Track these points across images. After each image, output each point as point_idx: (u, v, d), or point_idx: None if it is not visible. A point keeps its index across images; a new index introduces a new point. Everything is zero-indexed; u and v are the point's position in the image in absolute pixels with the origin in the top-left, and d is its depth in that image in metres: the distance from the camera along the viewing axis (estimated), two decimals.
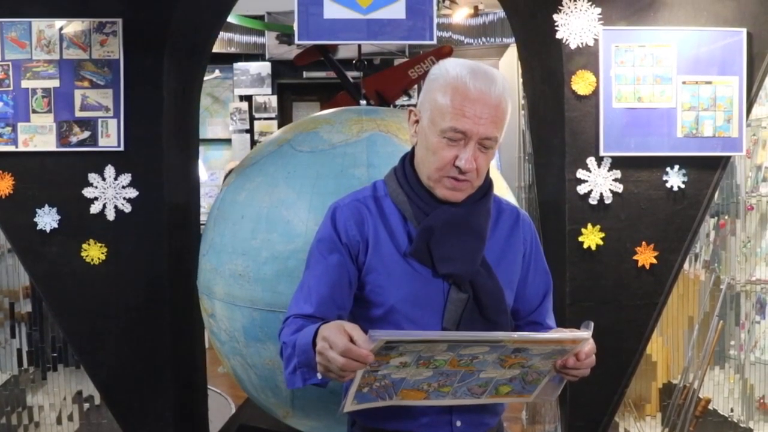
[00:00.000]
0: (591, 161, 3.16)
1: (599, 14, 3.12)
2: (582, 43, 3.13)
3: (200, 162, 4.14)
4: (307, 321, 1.78)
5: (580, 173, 3.16)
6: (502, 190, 2.96)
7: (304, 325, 1.74)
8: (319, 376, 1.65)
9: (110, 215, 3.18)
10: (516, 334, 1.62)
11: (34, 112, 3.17)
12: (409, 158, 1.92)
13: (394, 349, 1.51)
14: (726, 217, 4.60)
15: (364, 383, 1.60)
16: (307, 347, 1.63)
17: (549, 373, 1.74)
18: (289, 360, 1.72)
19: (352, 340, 1.49)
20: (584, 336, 1.65)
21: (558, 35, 3.12)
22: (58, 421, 4.42)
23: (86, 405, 4.51)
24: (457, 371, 1.64)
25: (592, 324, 1.68)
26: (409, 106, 1.91)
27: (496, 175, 3.11)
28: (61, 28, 3.16)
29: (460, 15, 7.51)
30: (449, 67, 1.79)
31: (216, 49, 5.26)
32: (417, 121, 1.85)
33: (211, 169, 8.63)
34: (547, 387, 1.79)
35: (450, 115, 1.74)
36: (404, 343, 1.51)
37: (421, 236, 1.81)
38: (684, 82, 3.16)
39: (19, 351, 4.54)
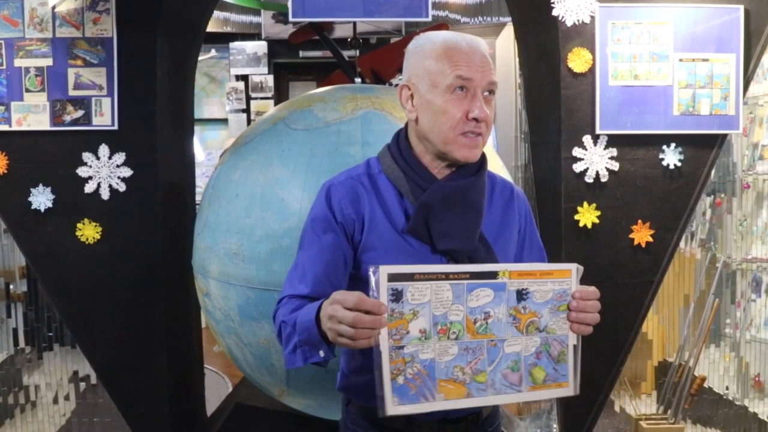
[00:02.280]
0: (587, 139, 3.14)
1: None
2: (578, 21, 3.11)
3: (197, 142, 4.13)
4: (303, 301, 1.77)
5: (576, 151, 3.15)
6: (498, 169, 2.96)
7: (301, 305, 1.73)
8: (321, 353, 1.64)
9: (105, 194, 3.16)
10: (509, 264, 1.71)
11: (28, 91, 3.15)
12: (403, 134, 1.91)
13: (402, 299, 1.52)
14: (722, 196, 4.60)
15: (395, 369, 1.58)
16: (309, 324, 1.62)
17: (569, 340, 1.76)
18: (289, 339, 1.71)
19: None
20: (571, 265, 1.73)
21: (554, 13, 3.10)
22: (55, 400, 4.43)
23: (82, 385, 4.52)
24: (479, 342, 1.65)
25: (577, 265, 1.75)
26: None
27: (492, 154, 3.11)
28: (53, 7, 3.13)
29: None
30: (431, 36, 1.82)
31: (212, 28, 5.24)
32: (412, 95, 1.84)
33: (207, 149, 8.62)
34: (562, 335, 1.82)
35: (450, 69, 1.75)
36: (405, 280, 1.52)
37: (419, 212, 1.80)
38: (681, 60, 3.14)
39: (15, 331, 4.54)
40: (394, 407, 1.58)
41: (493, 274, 1.64)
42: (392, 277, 1.50)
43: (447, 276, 1.59)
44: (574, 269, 1.74)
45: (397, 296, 1.52)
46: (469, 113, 1.76)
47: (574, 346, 1.78)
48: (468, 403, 1.69)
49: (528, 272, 1.70)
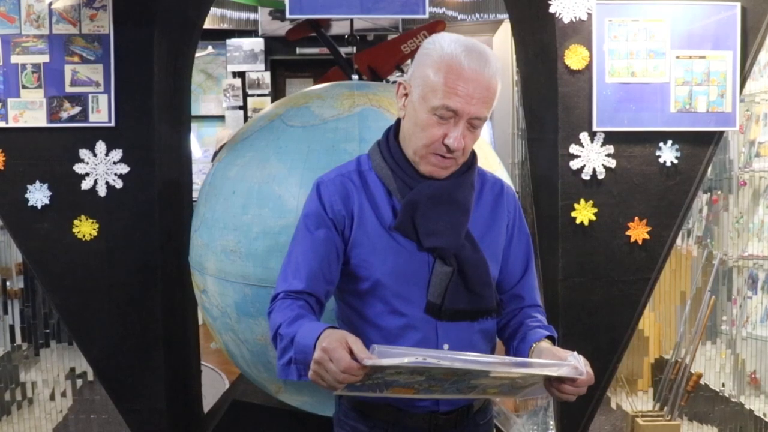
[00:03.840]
0: (584, 136, 3.15)
1: None
2: (575, 18, 3.11)
3: (193, 139, 4.13)
4: (298, 299, 1.80)
5: (573, 148, 3.15)
6: (495, 166, 2.96)
7: (300, 313, 1.75)
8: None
9: (102, 191, 3.16)
10: (515, 368, 1.61)
11: (24, 87, 3.15)
12: (393, 132, 1.93)
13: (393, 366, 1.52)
14: (719, 193, 4.61)
15: (359, 381, 1.59)
16: (307, 349, 1.62)
17: (538, 383, 1.73)
18: (284, 352, 1.72)
19: (352, 352, 1.51)
20: (579, 375, 1.66)
21: (551, 10, 3.10)
22: (52, 397, 4.43)
23: (79, 381, 4.53)
24: (449, 379, 1.64)
25: (582, 360, 1.68)
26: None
27: (489, 152, 3.11)
28: (50, 3, 3.13)
29: None
30: (444, 44, 1.78)
31: (209, 25, 5.23)
32: (406, 95, 1.84)
33: (204, 146, 8.62)
34: (535, 389, 1.79)
35: (442, 93, 1.74)
36: (403, 367, 1.52)
37: (406, 210, 1.83)
38: (677, 57, 3.14)
39: (12, 327, 4.54)
40: (340, 391, 1.61)
41: (486, 373, 1.60)
42: (391, 368, 1.51)
43: (444, 376, 1.58)
44: (582, 377, 1.67)
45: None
46: (445, 138, 1.77)
47: None
48: (411, 397, 1.73)
49: (534, 375, 1.65)
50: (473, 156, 1.91)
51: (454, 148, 1.77)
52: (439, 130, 1.77)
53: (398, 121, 1.92)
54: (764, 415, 4.18)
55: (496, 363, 1.61)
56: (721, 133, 3.23)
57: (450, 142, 1.76)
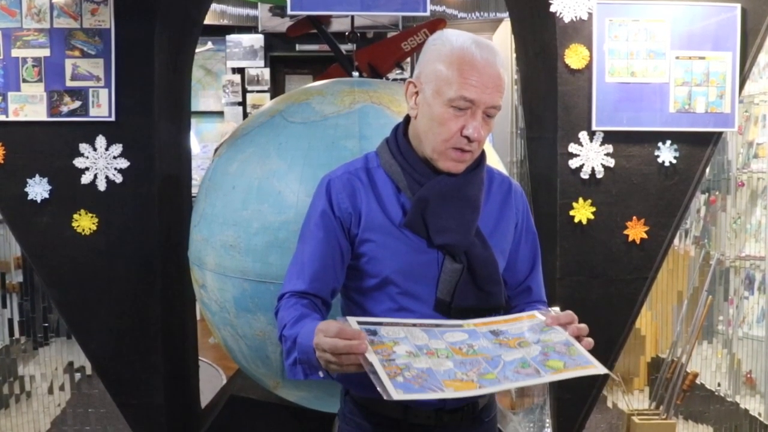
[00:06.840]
0: (583, 136, 3.16)
1: None
2: (576, 17, 3.12)
3: (192, 134, 4.13)
4: (301, 299, 1.81)
5: (572, 147, 3.16)
6: (495, 164, 2.95)
7: (303, 313, 1.75)
8: (321, 374, 1.64)
9: (101, 186, 3.17)
10: (473, 320, 1.71)
11: (25, 81, 3.15)
12: (401, 129, 1.92)
13: (378, 334, 1.56)
14: (717, 193, 4.62)
15: (392, 372, 1.51)
16: (308, 348, 1.63)
17: (572, 340, 1.69)
18: (290, 353, 1.73)
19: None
20: (530, 312, 1.75)
21: (552, 9, 3.11)
22: (50, 391, 4.44)
23: (77, 375, 4.53)
24: (474, 359, 1.60)
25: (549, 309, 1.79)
26: (401, 79, 1.91)
27: (488, 150, 3.11)
28: None
29: None
30: (452, 38, 1.79)
31: (209, 20, 5.24)
32: (417, 93, 1.84)
33: (203, 142, 8.60)
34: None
35: (457, 85, 1.74)
36: (375, 325, 1.57)
37: (416, 207, 1.82)
38: (677, 58, 3.15)
39: (11, 321, 4.54)
40: (397, 395, 1.44)
41: (458, 325, 1.67)
42: (361, 323, 1.56)
43: (414, 324, 1.64)
44: (537, 314, 1.77)
45: (372, 333, 1.56)
46: (464, 130, 1.77)
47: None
48: (477, 392, 1.55)
49: (492, 322, 1.73)
50: (482, 153, 1.91)
51: (474, 139, 1.77)
52: (456, 123, 1.77)
53: (406, 120, 1.92)
54: (759, 414, 4.20)
55: (458, 321, 1.72)
56: (720, 133, 3.24)
57: (470, 132, 1.76)
